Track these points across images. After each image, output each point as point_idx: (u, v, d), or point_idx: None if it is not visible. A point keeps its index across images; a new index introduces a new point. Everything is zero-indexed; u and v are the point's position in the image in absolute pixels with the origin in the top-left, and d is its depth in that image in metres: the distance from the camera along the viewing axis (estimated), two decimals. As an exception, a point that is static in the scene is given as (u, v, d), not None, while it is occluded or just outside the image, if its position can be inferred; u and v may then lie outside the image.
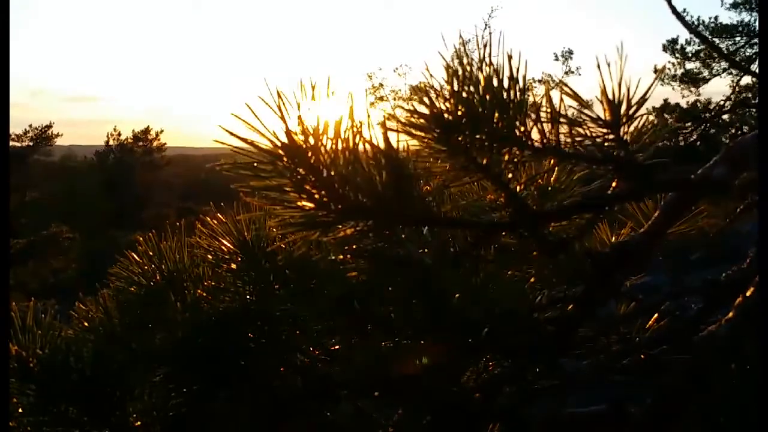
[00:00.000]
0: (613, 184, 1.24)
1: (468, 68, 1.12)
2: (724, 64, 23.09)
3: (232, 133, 1.16)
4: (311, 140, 1.15)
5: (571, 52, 27.13)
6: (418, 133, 1.12)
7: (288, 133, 1.16)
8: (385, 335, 1.30)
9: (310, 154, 1.15)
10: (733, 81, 23.37)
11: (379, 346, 1.33)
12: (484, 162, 1.12)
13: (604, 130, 1.19)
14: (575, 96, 1.19)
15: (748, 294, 1.21)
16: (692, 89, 24.13)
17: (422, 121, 1.10)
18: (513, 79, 1.15)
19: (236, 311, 1.48)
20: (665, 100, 25.31)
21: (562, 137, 1.20)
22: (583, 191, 1.23)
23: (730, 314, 1.23)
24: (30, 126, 33.89)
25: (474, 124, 1.09)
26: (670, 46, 23.85)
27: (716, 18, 22.48)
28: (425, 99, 1.10)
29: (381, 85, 28.96)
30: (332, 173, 1.14)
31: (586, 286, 1.29)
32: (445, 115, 1.12)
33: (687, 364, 1.22)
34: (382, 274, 1.20)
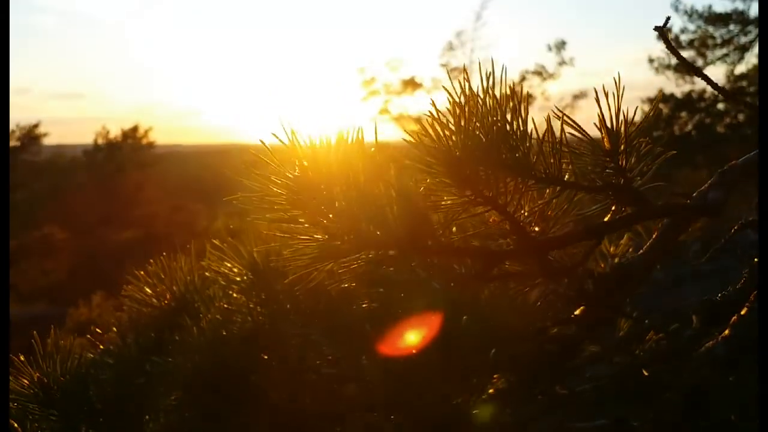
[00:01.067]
0: (613, 208, 1.30)
1: (472, 102, 1.17)
2: (718, 53, 23.13)
3: (249, 169, 1.21)
4: (324, 174, 1.20)
5: (564, 43, 27.12)
6: (427, 168, 1.17)
7: (302, 167, 1.21)
8: (396, 356, 1.35)
9: (323, 186, 1.20)
10: (728, 70, 23.43)
11: (390, 366, 1.38)
12: (490, 194, 1.17)
13: (605, 159, 1.24)
14: (576, 127, 1.24)
15: (743, 313, 1.27)
16: (687, 78, 24.15)
17: (430, 158, 1.15)
18: (516, 111, 1.20)
19: (249, 332, 1.53)
20: (660, 90, 25.38)
21: (563, 164, 1.25)
22: (584, 213, 1.28)
23: (726, 332, 1.28)
24: (17, 125, 33.71)
25: (480, 158, 1.15)
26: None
27: (710, 7, 22.51)
28: (432, 134, 1.15)
29: (373, 79, 28.94)
30: (345, 205, 1.19)
31: (588, 305, 1.34)
32: (451, 146, 1.17)
33: (687, 379, 1.28)
34: (393, 299, 1.25)
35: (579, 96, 27.78)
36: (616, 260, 1.76)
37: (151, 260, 1.72)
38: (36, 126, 34.08)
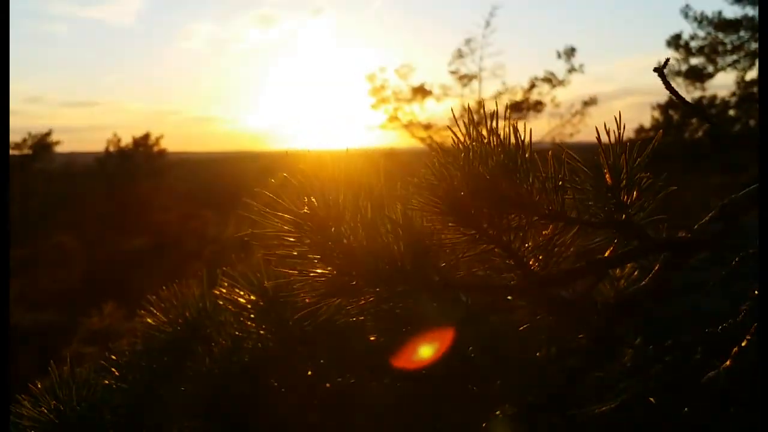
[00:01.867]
0: (615, 242, 1.33)
1: (476, 142, 1.21)
2: (729, 59, 23.12)
3: (260, 209, 1.25)
4: (332, 210, 1.24)
5: (573, 50, 27.16)
6: (433, 206, 1.20)
7: (310, 203, 1.25)
8: (406, 386, 1.38)
9: (331, 223, 1.24)
10: (738, 76, 23.42)
11: (398, 394, 1.42)
12: (494, 233, 1.20)
13: (607, 194, 1.27)
14: (579, 163, 1.27)
15: (743, 344, 1.29)
16: (697, 84, 24.16)
17: (435, 197, 1.19)
18: (519, 148, 1.24)
19: (259, 359, 1.56)
20: (670, 96, 25.33)
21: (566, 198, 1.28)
22: (587, 246, 1.30)
23: (728, 363, 1.31)
24: (29, 134, 33.94)
25: (484, 197, 1.18)
26: (674, 41, 23.90)
27: (720, 13, 22.50)
28: (437, 176, 1.19)
29: (383, 86, 29.09)
30: (353, 242, 1.22)
31: (592, 336, 1.37)
32: (456, 186, 1.20)
33: (688, 410, 1.31)
34: (400, 333, 1.29)
35: (589, 102, 27.80)
36: (623, 282, 1.80)
37: (164, 287, 1.75)
38: (48, 134, 34.34)
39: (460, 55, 28.14)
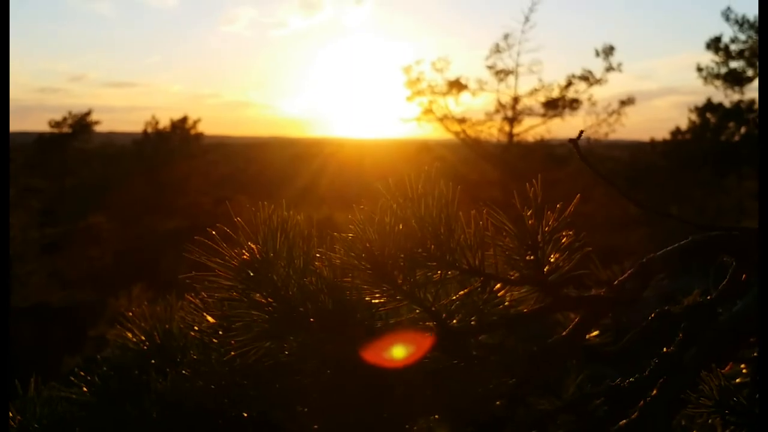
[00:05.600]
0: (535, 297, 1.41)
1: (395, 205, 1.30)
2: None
3: (202, 253, 1.35)
4: (269, 260, 1.34)
5: (612, 48, 26.95)
6: (356, 264, 1.30)
7: (250, 250, 1.35)
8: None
9: (266, 272, 1.34)
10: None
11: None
12: (407, 288, 1.30)
13: (527, 252, 1.36)
14: (503, 220, 1.36)
15: (648, 400, 1.37)
16: (736, 88, 23.88)
17: (356, 255, 1.28)
18: (447, 207, 1.33)
19: (210, 384, 1.66)
20: (708, 99, 25.15)
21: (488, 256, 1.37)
22: (504, 302, 1.39)
23: (635, 415, 1.39)
24: (69, 113, 34.55)
25: (397, 255, 1.28)
26: (714, 44, 23.63)
27: (762, 16, 22.11)
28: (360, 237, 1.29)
29: (418, 79, 29.20)
30: (284, 293, 1.33)
31: (517, 380, 1.46)
32: (371, 246, 1.30)
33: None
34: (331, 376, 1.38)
35: (626, 102, 27.58)
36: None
37: (133, 308, 1.86)
38: (88, 114, 34.92)
39: (497, 49, 28.14)
